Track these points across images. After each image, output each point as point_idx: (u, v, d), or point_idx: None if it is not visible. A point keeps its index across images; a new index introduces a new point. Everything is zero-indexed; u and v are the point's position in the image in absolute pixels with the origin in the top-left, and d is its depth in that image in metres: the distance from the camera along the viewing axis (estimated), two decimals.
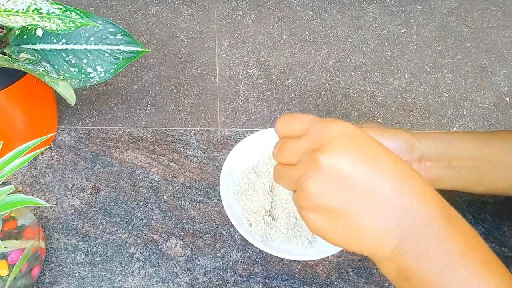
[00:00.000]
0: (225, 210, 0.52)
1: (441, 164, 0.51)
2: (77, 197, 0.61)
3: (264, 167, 0.57)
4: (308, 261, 0.56)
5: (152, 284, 0.55)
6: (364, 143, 0.38)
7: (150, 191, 0.62)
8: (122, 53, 0.55)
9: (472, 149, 0.51)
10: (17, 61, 0.50)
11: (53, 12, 0.47)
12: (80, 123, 0.69)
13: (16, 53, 0.52)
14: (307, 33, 0.82)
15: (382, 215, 0.36)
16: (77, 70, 0.54)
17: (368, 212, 0.37)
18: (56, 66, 0.54)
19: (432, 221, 0.36)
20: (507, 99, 0.76)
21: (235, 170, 0.57)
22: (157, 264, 0.56)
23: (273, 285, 0.55)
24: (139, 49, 0.56)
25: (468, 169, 0.51)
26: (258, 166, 0.58)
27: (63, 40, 0.54)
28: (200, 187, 0.63)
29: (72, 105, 0.53)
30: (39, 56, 0.53)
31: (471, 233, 0.38)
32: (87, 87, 0.73)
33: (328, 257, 0.57)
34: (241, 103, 0.73)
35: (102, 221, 0.59)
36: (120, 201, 0.61)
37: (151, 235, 0.59)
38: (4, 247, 0.48)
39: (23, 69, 0.50)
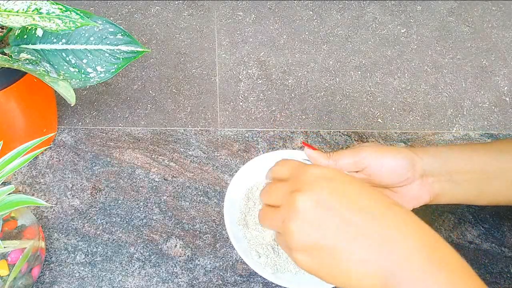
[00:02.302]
0: (232, 242, 0.51)
1: (443, 178, 0.51)
2: (77, 197, 0.61)
3: (254, 202, 0.56)
4: None
5: (152, 284, 0.55)
6: (343, 182, 0.39)
7: (150, 191, 0.62)
8: (122, 53, 0.55)
9: (473, 162, 0.52)
10: (17, 61, 0.50)
11: (53, 12, 0.47)
12: (80, 123, 0.69)
13: (16, 53, 0.52)
14: (307, 33, 0.82)
15: (364, 249, 0.37)
16: (77, 70, 0.54)
17: (350, 247, 0.37)
18: (56, 66, 0.54)
19: (415, 252, 0.36)
20: (507, 99, 0.76)
21: (237, 199, 0.56)
22: (157, 264, 0.56)
23: (273, 285, 0.55)
24: (139, 49, 0.56)
25: (470, 182, 0.51)
26: (252, 192, 0.57)
27: (63, 40, 0.54)
28: (200, 187, 0.63)
29: (72, 105, 0.53)
30: (39, 56, 0.53)
31: (458, 262, 0.37)
32: (87, 87, 0.73)
33: None
34: (241, 103, 0.73)
35: (102, 221, 0.59)
36: (120, 201, 0.61)
37: (151, 235, 0.59)
38: (4, 247, 0.48)
39: (23, 69, 0.50)
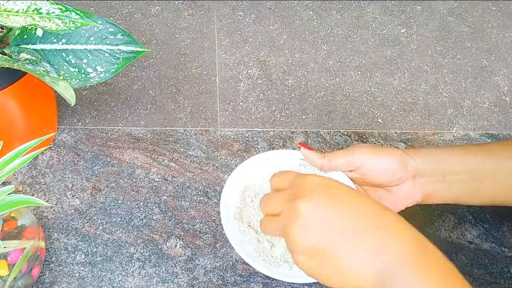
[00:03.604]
0: (226, 235, 0.52)
1: (436, 179, 0.52)
2: (77, 197, 0.61)
3: (251, 198, 0.56)
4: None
5: (152, 284, 0.55)
6: (340, 189, 0.42)
7: (150, 191, 0.62)
8: (122, 53, 0.55)
9: (466, 163, 0.52)
10: (17, 61, 0.50)
11: (53, 12, 0.47)
12: (80, 123, 0.69)
13: (16, 53, 0.52)
14: (307, 33, 0.82)
15: (361, 251, 0.39)
16: (77, 70, 0.54)
17: (348, 249, 0.39)
18: (56, 66, 0.54)
19: (407, 255, 0.38)
20: (507, 99, 0.76)
21: (234, 195, 0.56)
22: (157, 264, 0.56)
23: (273, 285, 0.55)
24: (139, 49, 0.56)
25: (463, 182, 0.52)
26: (248, 189, 0.57)
27: (63, 40, 0.54)
28: (200, 187, 0.63)
29: (72, 105, 0.53)
30: (39, 56, 0.53)
31: (446, 265, 0.39)
32: (87, 87, 0.73)
33: None
34: (241, 103, 0.73)
35: (102, 221, 0.59)
36: (120, 201, 0.61)
37: (151, 235, 0.59)
38: (4, 247, 0.48)
39: (23, 69, 0.50)
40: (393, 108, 0.74)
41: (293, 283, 0.55)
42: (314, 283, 0.55)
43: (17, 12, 0.47)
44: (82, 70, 0.54)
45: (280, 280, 0.55)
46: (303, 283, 0.55)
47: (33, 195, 0.61)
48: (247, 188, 0.57)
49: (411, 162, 0.52)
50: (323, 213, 0.40)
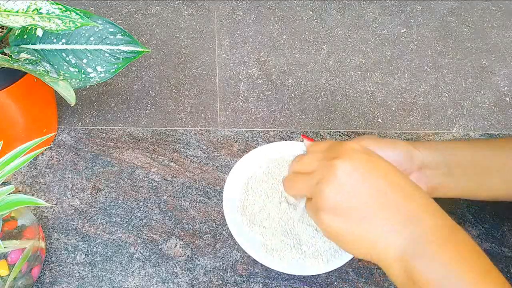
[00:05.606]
0: (230, 229, 0.52)
1: (442, 171, 0.52)
2: (77, 197, 0.61)
3: (253, 190, 0.56)
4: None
5: (152, 284, 0.55)
6: (378, 158, 0.43)
7: (150, 191, 0.62)
8: (122, 53, 0.55)
9: (472, 156, 0.52)
10: (17, 61, 0.50)
11: (53, 12, 0.47)
12: (80, 123, 0.69)
13: (16, 53, 0.52)
14: (307, 33, 0.82)
15: (392, 218, 0.40)
16: (77, 70, 0.54)
17: (379, 215, 0.40)
18: (56, 66, 0.54)
19: (437, 228, 0.39)
20: (507, 99, 0.76)
21: (236, 187, 0.56)
22: (157, 264, 0.56)
23: (273, 285, 0.55)
24: (139, 49, 0.56)
25: (469, 176, 0.52)
26: (251, 181, 0.57)
27: (63, 40, 0.54)
28: (200, 187, 0.63)
29: (72, 105, 0.53)
30: (39, 56, 0.53)
31: (472, 244, 0.40)
32: (87, 87, 0.73)
33: None
34: (241, 103, 0.73)
35: (102, 221, 0.59)
36: (120, 201, 0.61)
37: (151, 235, 0.59)
38: (4, 247, 0.48)
39: (23, 69, 0.50)
40: (393, 108, 0.74)
41: (294, 276, 0.55)
42: (319, 276, 0.55)
43: (17, 12, 0.47)
44: (82, 70, 0.54)
45: (280, 280, 0.55)
46: (303, 275, 0.55)
47: (33, 195, 0.61)
48: (249, 180, 0.57)
49: (417, 154, 0.51)
50: (360, 175, 0.41)
